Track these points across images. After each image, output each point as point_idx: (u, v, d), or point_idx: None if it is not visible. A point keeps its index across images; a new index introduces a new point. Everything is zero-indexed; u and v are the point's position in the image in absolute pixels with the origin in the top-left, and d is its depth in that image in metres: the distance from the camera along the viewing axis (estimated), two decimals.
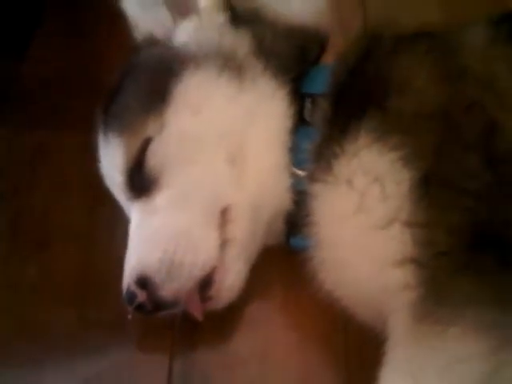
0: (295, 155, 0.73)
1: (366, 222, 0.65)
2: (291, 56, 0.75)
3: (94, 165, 0.78)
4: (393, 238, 0.63)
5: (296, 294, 0.77)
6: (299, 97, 0.74)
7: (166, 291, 0.68)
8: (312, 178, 0.69)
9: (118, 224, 0.78)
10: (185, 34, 0.76)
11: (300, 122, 0.74)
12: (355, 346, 0.74)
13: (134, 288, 0.68)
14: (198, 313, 0.71)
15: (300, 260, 0.72)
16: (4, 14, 1.05)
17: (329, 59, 0.80)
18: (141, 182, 0.71)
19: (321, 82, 0.73)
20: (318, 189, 0.69)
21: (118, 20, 0.83)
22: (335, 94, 0.71)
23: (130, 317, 0.74)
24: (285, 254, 0.78)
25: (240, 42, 0.75)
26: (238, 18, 0.77)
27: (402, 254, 0.62)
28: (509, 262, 0.60)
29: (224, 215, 0.71)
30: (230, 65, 0.72)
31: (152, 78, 0.73)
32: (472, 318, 0.58)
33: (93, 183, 0.83)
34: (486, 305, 0.59)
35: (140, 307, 0.68)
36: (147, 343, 0.75)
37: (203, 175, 0.70)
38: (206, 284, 0.70)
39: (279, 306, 0.78)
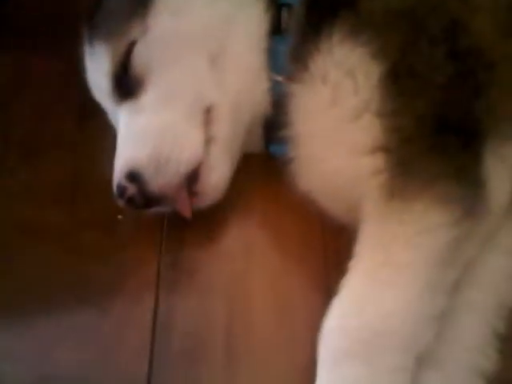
0: (273, 60, 0.77)
1: (339, 115, 0.69)
2: None
3: (80, 85, 0.82)
4: (364, 128, 0.68)
5: (276, 199, 0.81)
6: (276, 6, 0.78)
7: (155, 185, 0.72)
8: (290, 79, 0.74)
9: (105, 134, 0.82)
10: None
11: (277, 30, 0.78)
12: (332, 244, 0.78)
13: (124, 182, 0.72)
14: (186, 210, 0.76)
15: (278, 166, 0.77)
16: None
17: None
18: (127, 84, 0.75)
19: None
20: (295, 88, 0.73)
21: None
22: (310, 1, 0.76)
23: (120, 217, 0.79)
24: (263, 163, 0.83)
25: None
26: None
27: (373, 142, 0.67)
28: (468, 144, 0.66)
29: (207, 114, 0.75)
30: None
31: None
32: (436, 193, 0.64)
33: (78, 101, 0.88)
34: (449, 181, 0.65)
35: (130, 201, 0.73)
36: (137, 241, 0.79)
37: (186, 75, 0.74)
38: (192, 179, 0.74)
39: (260, 209, 0.83)
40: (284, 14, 0.78)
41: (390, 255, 0.63)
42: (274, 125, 0.78)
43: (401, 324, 0.61)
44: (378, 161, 0.67)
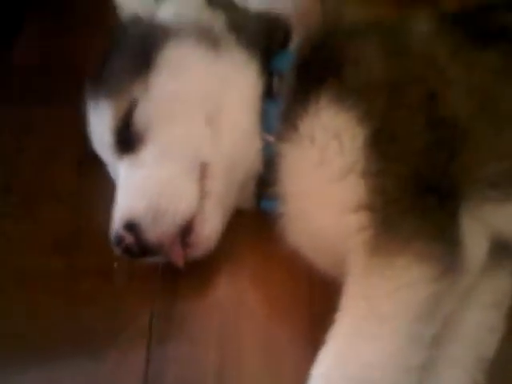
0: (265, 122, 0.82)
1: (326, 174, 0.74)
2: (260, 34, 0.85)
3: (79, 136, 0.86)
4: (349, 188, 0.72)
5: (266, 253, 0.85)
6: (269, 73, 0.84)
7: (151, 235, 0.76)
8: (280, 139, 0.79)
9: (104, 185, 0.85)
10: (166, 12, 0.86)
11: (269, 95, 0.83)
12: (319, 295, 0.82)
13: (121, 231, 0.75)
14: (179, 260, 0.79)
15: (269, 221, 0.81)
16: None
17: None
18: (128, 139, 0.79)
19: (287, 61, 0.83)
20: (284, 147, 0.78)
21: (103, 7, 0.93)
22: (299, 69, 0.81)
23: (116, 264, 0.82)
24: (255, 219, 0.87)
25: (216, 20, 0.85)
26: (214, 1, 0.87)
27: (358, 201, 0.71)
28: (445, 204, 0.71)
29: (203, 171, 0.79)
30: (206, 37, 0.82)
31: (138, 48, 0.82)
32: (416, 250, 0.68)
33: (78, 152, 0.92)
34: (427, 239, 0.69)
35: (127, 250, 0.76)
36: (132, 289, 0.82)
37: (184, 133, 0.79)
38: (186, 231, 0.78)
39: (250, 262, 0.86)
40: (275, 79, 0.84)
41: (372, 308, 0.66)
42: (265, 182, 0.82)
43: (381, 375, 0.64)
44: (363, 219, 0.71)
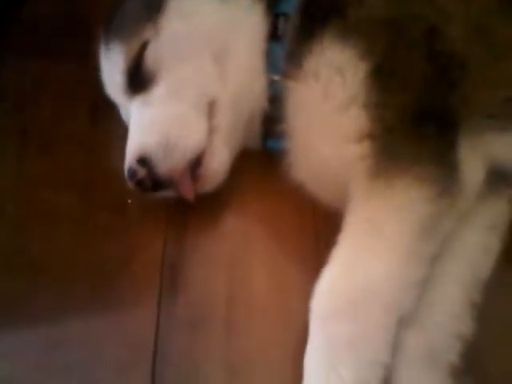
0: (270, 62, 0.85)
1: (330, 108, 0.77)
2: None
3: (93, 87, 0.90)
4: (351, 119, 0.75)
5: (271, 189, 0.88)
6: (274, 15, 0.87)
7: (163, 169, 0.79)
8: (285, 77, 0.82)
9: (116, 130, 0.89)
10: None
11: (274, 36, 0.86)
12: (324, 228, 0.85)
13: (135, 165, 0.79)
14: (189, 193, 0.82)
15: (274, 159, 0.84)
16: None
17: None
18: (139, 79, 0.83)
19: (292, 2, 0.86)
20: (290, 85, 0.81)
21: None
22: (304, 10, 0.83)
23: (129, 201, 0.86)
24: (261, 157, 0.90)
25: None
26: None
27: (359, 131, 0.75)
28: (444, 132, 0.74)
29: (211, 107, 0.83)
30: None
31: None
32: (415, 172, 0.72)
33: (92, 101, 0.96)
34: (426, 163, 0.72)
35: (140, 183, 0.80)
36: (145, 223, 0.86)
37: (193, 71, 0.83)
38: (195, 165, 0.82)
39: (257, 198, 0.90)
40: (281, 20, 0.87)
41: (374, 226, 0.70)
42: (271, 119, 0.86)
43: (385, 287, 0.68)
44: (365, 147, 0.74)
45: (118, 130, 0.88)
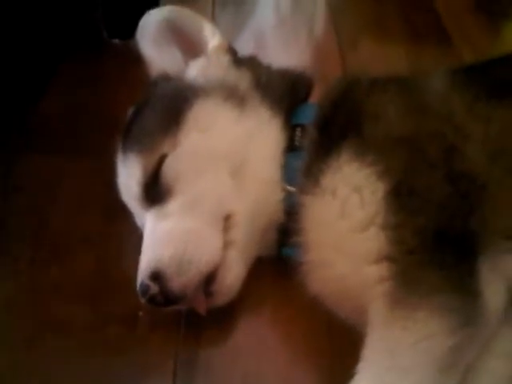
0: (287, 174, 0.86)
1: (347, 226, 0.76)
2: (283, 91, 0.90)
3: (107, 185, 0.90)
4: (370, 239, 0.74)
5: (285, 299, 0.87)
6: (291, 127, 0.88)
7: (176, 284, 0.78)
8: (302, 192, 0.82)
9: (129, 236, 0.89)
10: (195, 71, 0.91)
11: (291, 147, 0.87)
12: (338, 344, 0.82)
13: (147, 281, 0.78)
14: (202, 308, 0.81)
15: (289, 268, 0.82)
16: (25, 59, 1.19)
17: (314, 100, 0.96)
18: (156, 192, 0.83)
19: (309, 114, 0.87)
20: (307, 200, 0.81)
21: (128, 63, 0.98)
22: (321, 124, 0.85)
23: (140, 313, 0.84)
24: (276, 267, 0.89)
25: (241, 79, 0.89)
26: (239, 60, 0.93)
27: (378, 252, 0.73)
28: (464, 257, 0.72)
29: (227, 221, 0.82)
30: (233, 96, 0.86)
31: (168, 105, 0.87)
32: (436, 303, 0.69)
33: (106, 201, 0.96)
34: (447, 292, 0.70)
35: (152, 299, 0.78)
36: (155, 336, 0.83)
37: (210, 186, 0.82)
38: (209, 280, 0.80)
39: (271, 308, 0.88)
40: (298, 133, 0.88)
41: (394, 360, 0.67)
42: (287, 231, 0.84)
43: None
44: (383, 270, 0.73)
45: (132, 234, 0.88)
